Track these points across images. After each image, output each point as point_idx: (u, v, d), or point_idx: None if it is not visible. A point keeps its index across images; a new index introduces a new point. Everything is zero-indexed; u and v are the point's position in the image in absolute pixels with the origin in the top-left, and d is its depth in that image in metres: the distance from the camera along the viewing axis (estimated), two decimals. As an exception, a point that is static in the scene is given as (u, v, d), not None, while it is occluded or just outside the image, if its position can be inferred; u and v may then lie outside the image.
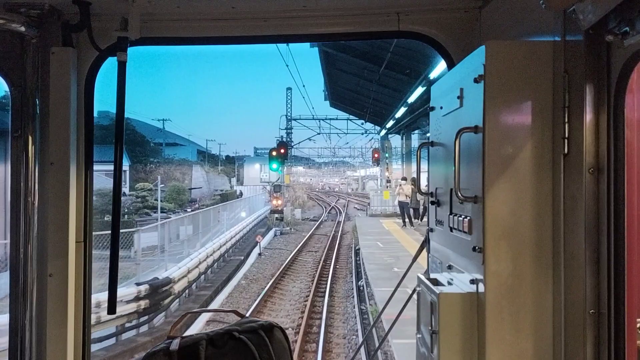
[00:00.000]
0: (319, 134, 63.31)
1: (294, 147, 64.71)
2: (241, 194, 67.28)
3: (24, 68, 3.08)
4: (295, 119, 62.23)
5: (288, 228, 45.56)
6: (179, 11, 3.19)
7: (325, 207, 73.86)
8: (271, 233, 42.73)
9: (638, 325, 2.16)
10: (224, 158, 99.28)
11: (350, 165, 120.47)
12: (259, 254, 31.36)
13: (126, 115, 3.17)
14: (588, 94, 2.12)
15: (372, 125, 59.47)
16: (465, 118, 2.58)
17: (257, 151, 64.34)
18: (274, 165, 39.38)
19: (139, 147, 60.02)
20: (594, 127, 2.12)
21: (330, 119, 62.30)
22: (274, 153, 39.00)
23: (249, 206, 51.73)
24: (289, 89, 64.59)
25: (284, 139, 51.15)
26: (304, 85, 52.04)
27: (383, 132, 53.30)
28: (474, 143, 2.46)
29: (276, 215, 46.31)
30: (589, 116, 2.12)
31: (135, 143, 58.70)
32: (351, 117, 60.70)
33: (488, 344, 2.39)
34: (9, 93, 3.11)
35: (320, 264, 27.55)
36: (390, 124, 46.75)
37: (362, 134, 64.83)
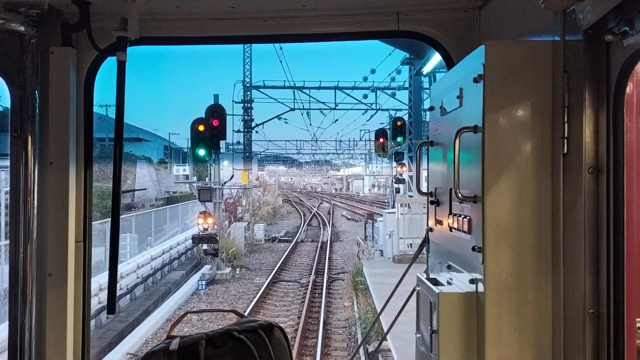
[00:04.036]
0: (293, 109, 40.46)
1: (255, 128, 42.86)
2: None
3: (24, 68, 3.08)
4: (257, 87, 40.06)
5: (228, 270, 26.33)
6: (178, 11, 3.19)
7: (305, 215, 56.52)
8: (191, 282, 24.28)
9: (637, 325, 2.16)
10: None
11: (334, 165, 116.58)
12: None
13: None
14: (587, 94, 2.12)
15: (403, 61, 31.69)
16: (465, 118, 2.58)
17: (229, 147, 41.95)
18: (201, 151, 17.94)
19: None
20: (593, 127, 2.12)
21: (310, 88, 39.21)
22: (201, 127, 17.86)
23: (181, 217, 34.40)
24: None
25: (219, 103, 23.38)
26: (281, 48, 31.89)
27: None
28: (474, 143, 2.46)
29: (204, 247, 25.43)
30: (588, 116, 2.12)
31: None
32: (341, 83, 38.78)
33: (487, 343, 2.39)
34: (9, 93, 3.11)
35: None
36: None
37: (366, 96, 39.02)
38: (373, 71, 38.33)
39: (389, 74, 36.25)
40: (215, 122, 18.21)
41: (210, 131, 17.99)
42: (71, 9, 3.04)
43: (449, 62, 3.29)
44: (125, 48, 2.99)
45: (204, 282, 23.90)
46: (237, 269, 27.40)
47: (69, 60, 3.11)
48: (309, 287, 22.76)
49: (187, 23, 3.30)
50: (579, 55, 2.14)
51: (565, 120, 2.25)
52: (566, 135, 2.25)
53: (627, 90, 2.04)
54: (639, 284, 2.12)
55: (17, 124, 3.08)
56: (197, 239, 24.99)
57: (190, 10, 3.22)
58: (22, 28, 2.99)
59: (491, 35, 2.94)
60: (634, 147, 2.11)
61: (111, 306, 3.12)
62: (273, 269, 26.80)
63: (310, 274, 25.56)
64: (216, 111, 18.39)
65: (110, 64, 3.23)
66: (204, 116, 17.90)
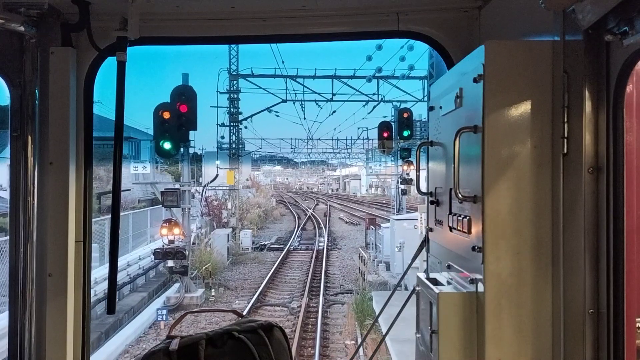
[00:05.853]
0: (285, 101, 35.78)
1: (244, 122, 38.76)
2: (193, 197, 41.67)
3: (23, 68, 3.08)
4: (244, 76, 35.87)
5: (200, 292, 21.73)
6: (178, 11, 3.19)
7: (299, 218, 52.71)
8: (151, 310, 19.53)
9: (637, 324, 2.17)
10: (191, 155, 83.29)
11: (330, 165, 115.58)
12: None
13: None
14: (587, 94, 2.12)
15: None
16: (465, 118, 2.58)
17: (222, 146, 37.88)
18: (167, 145, 13.41)
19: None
20: (593, 127, 2.12)
21: (305, 77, 34.97)
22: (165, 115, 13.46)
23: (150, 224, 28.17)
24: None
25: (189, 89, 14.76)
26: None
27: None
28: (474, 143, 2.46)
29: (170, 264, 20.65)
30: (588, 116, 2.13)
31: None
32: (339, 72, 34.25)
33: (487, 343, 2.39)
34: (9, 93, 3.11)
35: None
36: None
37: (370, 80, 33.54)
38: (379, 47, 30.96)
39: (400, 47, 30.84)
40: (183, 108, 13.90)
41: (176, 119, 13.78)
42: (71, 9, 3.04)
43: (449, 62, 3.29)
44: (125, 48, 2.99)
45: (164, 312, 18.38)
46: (214, 289, 22.89)
47: (68, 60, 3.11)
48: (301, 315, 18.50)
49: (187, 23, 3.30)
50: (579, 55, 2.14)
51: (565, 120, 2.25)
52: (566, 135, 2.25)
53: (627, 90, 2.05)
54: (639, 284, 2.13)
55: (17, 124, 3.08)
56: (161, 254, 20.26)
57: (190, 10, 3.22)
58: (22, 28, 2.98)
59: (491, 35, 2.94)
60: (634, 147, 2.12)
61: (111, 306, 3.11)
62: (258, 288, 22.67)
63: (303, 295, 21.33)
64: (184, 94, 14.08)
65: (108, 64, 3.24)
66: (169, 101, 13.69)
